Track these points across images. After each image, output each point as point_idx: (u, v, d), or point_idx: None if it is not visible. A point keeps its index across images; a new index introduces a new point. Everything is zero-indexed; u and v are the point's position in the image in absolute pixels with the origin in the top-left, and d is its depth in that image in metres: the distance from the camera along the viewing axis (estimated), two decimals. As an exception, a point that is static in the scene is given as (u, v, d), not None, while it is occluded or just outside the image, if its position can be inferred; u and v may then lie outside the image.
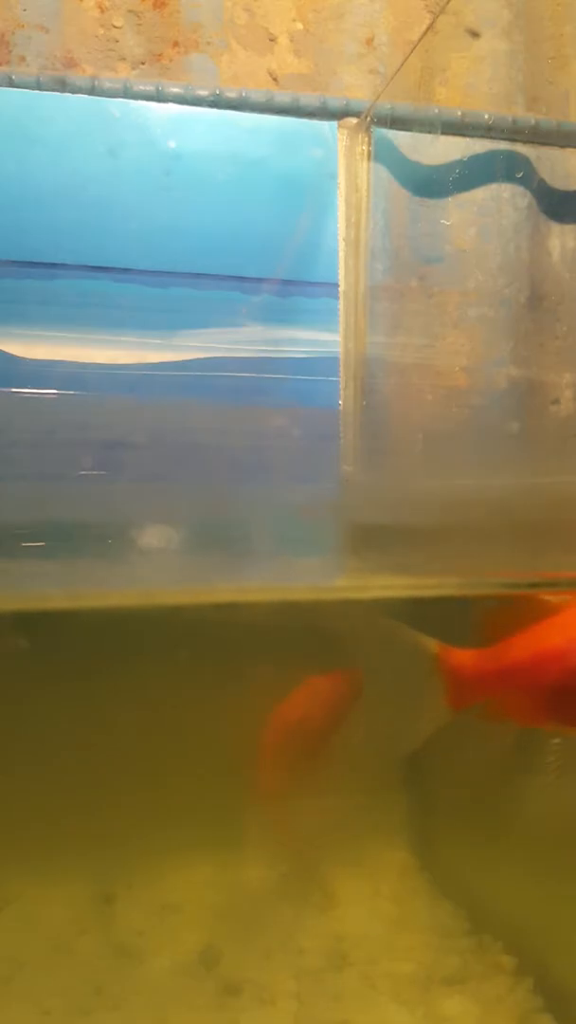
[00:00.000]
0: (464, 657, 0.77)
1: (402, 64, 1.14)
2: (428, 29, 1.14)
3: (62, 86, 1.04)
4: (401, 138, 1.13)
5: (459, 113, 1.14)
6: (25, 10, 1.08)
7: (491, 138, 1.16)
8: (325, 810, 0.98)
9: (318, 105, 1.11)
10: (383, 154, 1.12)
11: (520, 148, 1.18)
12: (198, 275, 1.07)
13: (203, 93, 1.07)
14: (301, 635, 0.86)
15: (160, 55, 1.11)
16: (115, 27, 1.10)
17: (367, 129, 1.12)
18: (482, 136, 1.16)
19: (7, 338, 1.02)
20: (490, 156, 1.17)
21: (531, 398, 1.20)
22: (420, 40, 1.12)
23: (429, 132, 1.14)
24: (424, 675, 0.77)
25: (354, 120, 1.12)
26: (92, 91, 1.05)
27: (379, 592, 0.95)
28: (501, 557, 0.91)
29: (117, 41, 1.10)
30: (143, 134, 1.06)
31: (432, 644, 0.78)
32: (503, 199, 1.17)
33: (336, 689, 0.96)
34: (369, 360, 1.13)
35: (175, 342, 1.07)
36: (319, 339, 1.10)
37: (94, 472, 1.03)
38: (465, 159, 1.16)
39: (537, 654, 0.76)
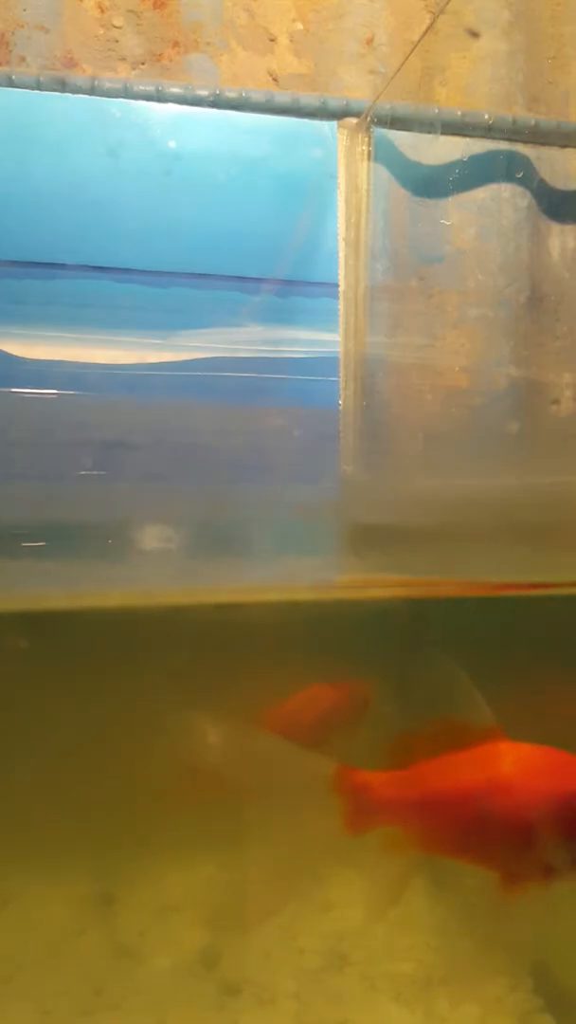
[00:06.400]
0: (367, 779, 0.74)
1: (402, 64, 1.14)
2: (428, 29, 1.14)
3: (62, 86, 1.04)
4: (401, 138, 1.13)
5: (459, 113, 1.14)
6: (25, 10, 1.08)
7: (491, 138, 1.16)
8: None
9: (318, 105, 1.11)
10: (383, 154, 1.12)
11: (520, 148, 1.18)
12: (198, 275, 1.07)
13: (203, 93, 1.07)
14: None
15: (160, 55, 1.11)
16: (115, 27, 1.10)
17: (367, 129, 1.12)
18: (482, 136, 1.16)
19: (7, 338, 1.02)
20: (490, 156, 1.17)
21: (531, 398, 1.20)
22: (420, 40, 1.12)
23: (429, 132, 1.14)
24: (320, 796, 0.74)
25: (354, 120, 1.12)
26: (92, 91, 1.05)
27: (378, 592, 0.95)
28: (501, 557, 0.91)
29: (117, 41, 1.10)
30: (143, 134, 1.06)
31: (328, 764, 0.75)
32: (503, 199, 1.17)
33: (337, 699, 0.96)
34: (369, 360, 1.13)
35: (175, 342, 1.07)
36: (319, 339, 1.10)
37: (94, 472, 1.03)
38: (465, 159, 1.16)
39: (455, 787, 0.72)
